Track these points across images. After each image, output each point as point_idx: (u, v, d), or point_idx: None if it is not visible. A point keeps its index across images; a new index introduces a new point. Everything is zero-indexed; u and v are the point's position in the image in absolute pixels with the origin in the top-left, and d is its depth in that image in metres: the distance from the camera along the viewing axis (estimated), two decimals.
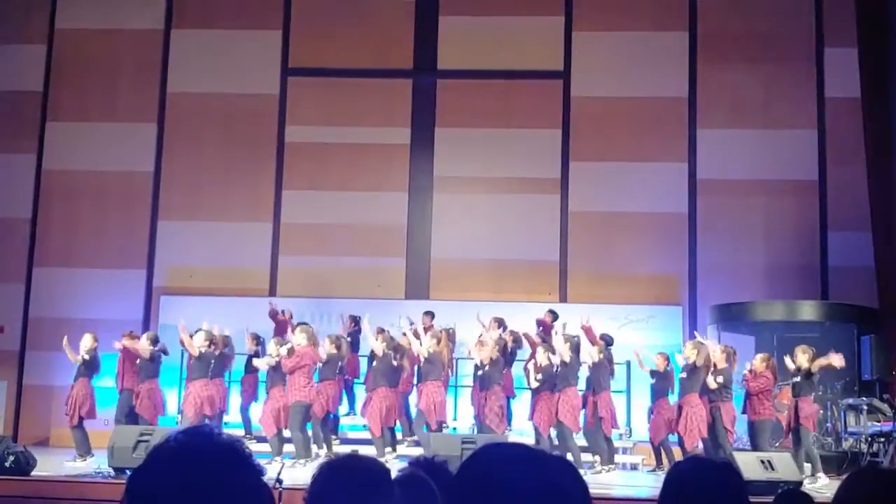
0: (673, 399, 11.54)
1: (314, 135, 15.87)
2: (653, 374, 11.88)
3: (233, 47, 16.05)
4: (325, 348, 11.65)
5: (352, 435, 13.23)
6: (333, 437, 12.38)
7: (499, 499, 1.64)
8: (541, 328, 13.10)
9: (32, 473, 9.48)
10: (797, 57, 15.56)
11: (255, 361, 12.36)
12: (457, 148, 15.71)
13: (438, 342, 11.89)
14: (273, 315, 13.47)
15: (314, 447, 11.45)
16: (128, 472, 9.17)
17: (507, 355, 12.49)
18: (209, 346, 11.64)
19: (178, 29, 16.30)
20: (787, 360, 11.23)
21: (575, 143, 15.63)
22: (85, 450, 11.36)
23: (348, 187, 15.65)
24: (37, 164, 16.03)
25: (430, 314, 13.53)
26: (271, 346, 11.78)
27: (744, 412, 11.25)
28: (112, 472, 9.52)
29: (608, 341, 12.12)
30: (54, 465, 10.58)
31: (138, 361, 11.69)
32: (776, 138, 15.29)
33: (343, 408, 13.01)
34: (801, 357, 11.04)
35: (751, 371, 11.23)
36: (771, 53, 15.47)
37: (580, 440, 11.61)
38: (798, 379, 11.00)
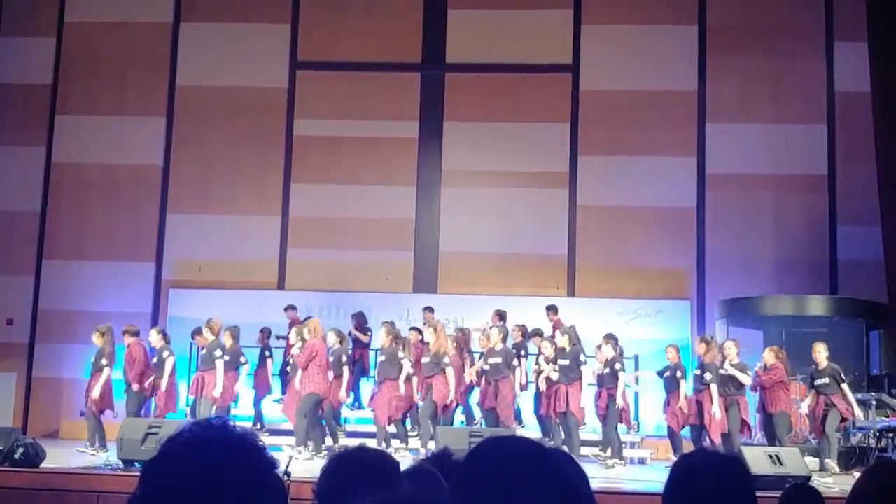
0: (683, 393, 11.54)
1: (323, 128, 15.86)
2: (665, 369, 11.85)
3: (241, 41, 16.05)
4: (331, 341, 11.77)
5: (360, 429, 13.24)
6: (339, 429, 12.46)
7: (503, 491, 1.65)
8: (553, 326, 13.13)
9: (41, 466, 9.51)
10: (807, 51, 15.51)
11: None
12: (465, 141, 15.69)
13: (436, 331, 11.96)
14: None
15: (329, 440, 11.60)
16: (137, 465, 9.21)
17: (518, 348, 12.55)
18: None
19: (186, 22, 16.31)
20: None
21: (583, 136, 15.60)
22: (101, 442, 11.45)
23: (357, 181, 15.65)
24: (46, 157, 16.06)
25: (430, 309, 13.60)
26: (293, 337, 11.93)
27: (759, 409, 11.30)
28: (121, 465, 9.54)
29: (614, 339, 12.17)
30: (63, 457, 10.61)
31: (154, 359, 11.78)
32: (786, 132, 15.24)
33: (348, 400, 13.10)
34: (820, 355, 11.09)
35: (763, 366, 11.26)
36: (780, 47, 15.42)
37: (590, 435, 11.66)
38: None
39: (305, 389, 11.23)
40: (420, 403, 11.78)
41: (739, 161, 15.24)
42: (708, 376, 11.08)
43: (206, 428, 1.58)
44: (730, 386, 11.19)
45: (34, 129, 16.03)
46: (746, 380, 11.20)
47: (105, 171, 15.84)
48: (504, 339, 12.00)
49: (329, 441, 11.66)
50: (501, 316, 13.09)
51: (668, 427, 11.67)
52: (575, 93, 15.74)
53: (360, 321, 13.84)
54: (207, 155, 15.84)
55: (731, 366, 11.23)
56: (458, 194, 15.64)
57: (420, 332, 12.71)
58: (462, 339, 12.50)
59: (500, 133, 15.61)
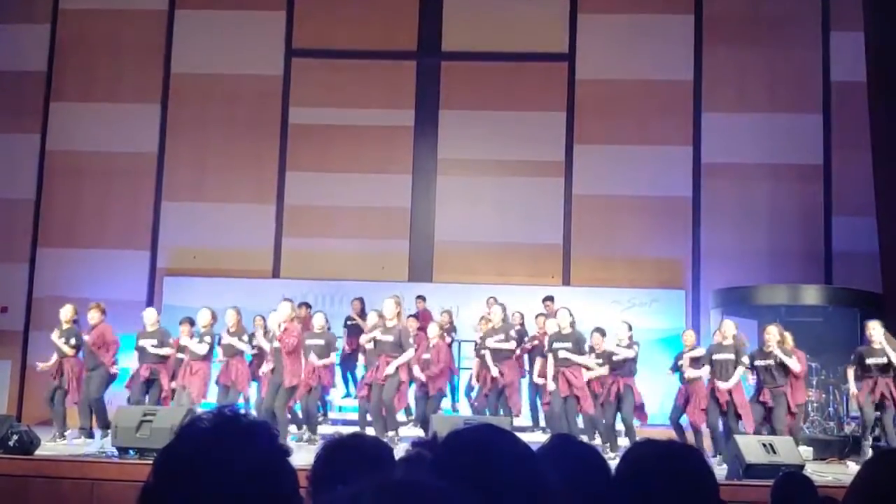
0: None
1: (318, 116, 15.83)
2: (680, 356, 11.62)
3: (237, 28, 16.01)
4: (318, 325, 11.60)
5: (347, 416, 13.22)
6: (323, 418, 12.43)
7: (463, 472, 1.66)
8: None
9: (36, 453, 9.50)
10: (803, 40, 15.50)
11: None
12: (461, 130, 15.67)
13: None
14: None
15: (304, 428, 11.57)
16: (131, 452, 9.22)
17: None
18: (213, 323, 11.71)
19: (182, 10, 16.26)
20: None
21: (579, 125, 15.59)
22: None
23: (352, 169, 15.63)
24: (40, 144, 16.02)
25: (422, 298, 13.69)
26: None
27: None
28: (115, 452, 9.53)
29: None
30: (58, 444, 10.61)
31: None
32: (781, 122, 15.24)
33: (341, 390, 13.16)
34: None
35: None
36: (777, 37, 15.41)
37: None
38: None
39: (289, 381, 10.93)
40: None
41: (735, 151, 15.25)
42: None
43: (221, 416, 1.58)
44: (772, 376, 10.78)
45: (28, 117, 15.99)
46: (796, 366, 10.69)
47: (100, 158, 15.81)
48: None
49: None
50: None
51: (692, 422, 11.17)
52: (571, 82, 15.72)
53: (363, 307, 13.79)
54: (202, 143, 15.81)
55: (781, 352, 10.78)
56: (453, 183, 15.63)
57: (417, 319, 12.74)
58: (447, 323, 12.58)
59: (495, 122, 15.59)
